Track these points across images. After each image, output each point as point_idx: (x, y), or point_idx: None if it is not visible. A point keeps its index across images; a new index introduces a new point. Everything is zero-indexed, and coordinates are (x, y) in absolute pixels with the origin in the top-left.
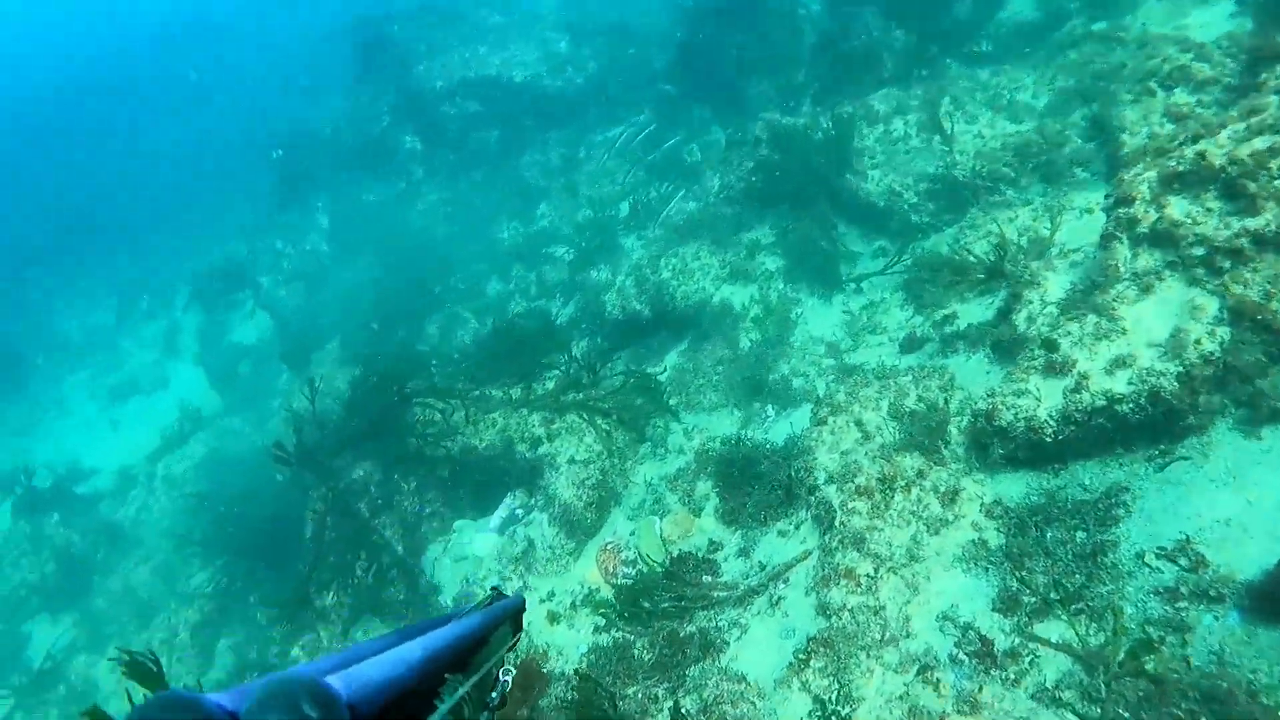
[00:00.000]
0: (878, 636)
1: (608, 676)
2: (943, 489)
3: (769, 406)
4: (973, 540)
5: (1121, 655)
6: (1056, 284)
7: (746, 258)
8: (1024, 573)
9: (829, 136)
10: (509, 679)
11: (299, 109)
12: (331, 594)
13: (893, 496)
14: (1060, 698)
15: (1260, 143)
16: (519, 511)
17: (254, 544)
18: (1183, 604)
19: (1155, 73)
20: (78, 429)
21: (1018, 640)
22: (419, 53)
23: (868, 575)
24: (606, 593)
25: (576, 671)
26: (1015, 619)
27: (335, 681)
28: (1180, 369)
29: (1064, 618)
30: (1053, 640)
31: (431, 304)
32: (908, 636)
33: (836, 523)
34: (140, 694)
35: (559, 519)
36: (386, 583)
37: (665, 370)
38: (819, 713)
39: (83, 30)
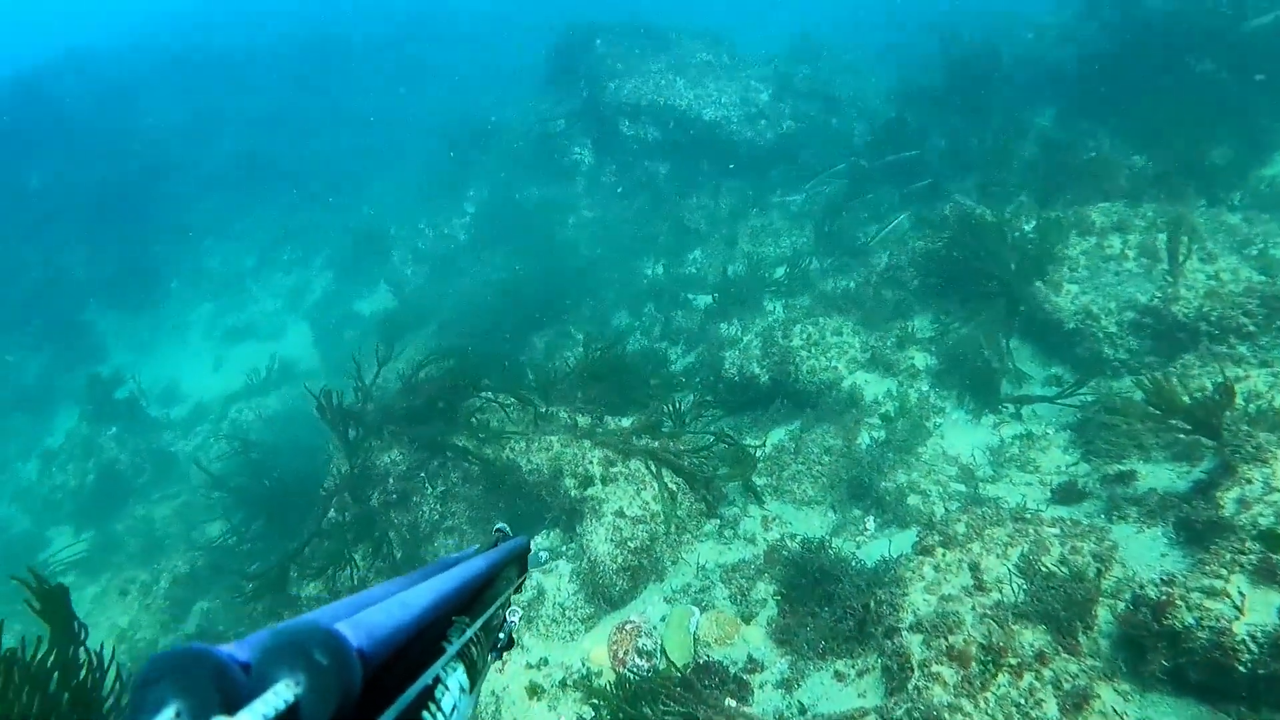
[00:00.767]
0: None
1: None
2: (1067, 687)
3: (870, 518)
4: None
5: None
6: None
7: (894, 347)
8: None
9: (1027, 236)
10: (516, 619)
11: (484, 97)
12: (314, 585)
13: (995, 676)
14: None
15: None
16: (544, 554)
17: (275, 506)
18: None
19: None
20: (185, 358)
21: None
22: (614, 69)
23: None
24: (608, 680)
25: None
26: None
27: (345, 629)
28: None
29: None
30: None
31: (549, 318)
32: None
33: (910, 686)
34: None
35: (584, 576)
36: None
37: (764, 446)
38: None
39: None
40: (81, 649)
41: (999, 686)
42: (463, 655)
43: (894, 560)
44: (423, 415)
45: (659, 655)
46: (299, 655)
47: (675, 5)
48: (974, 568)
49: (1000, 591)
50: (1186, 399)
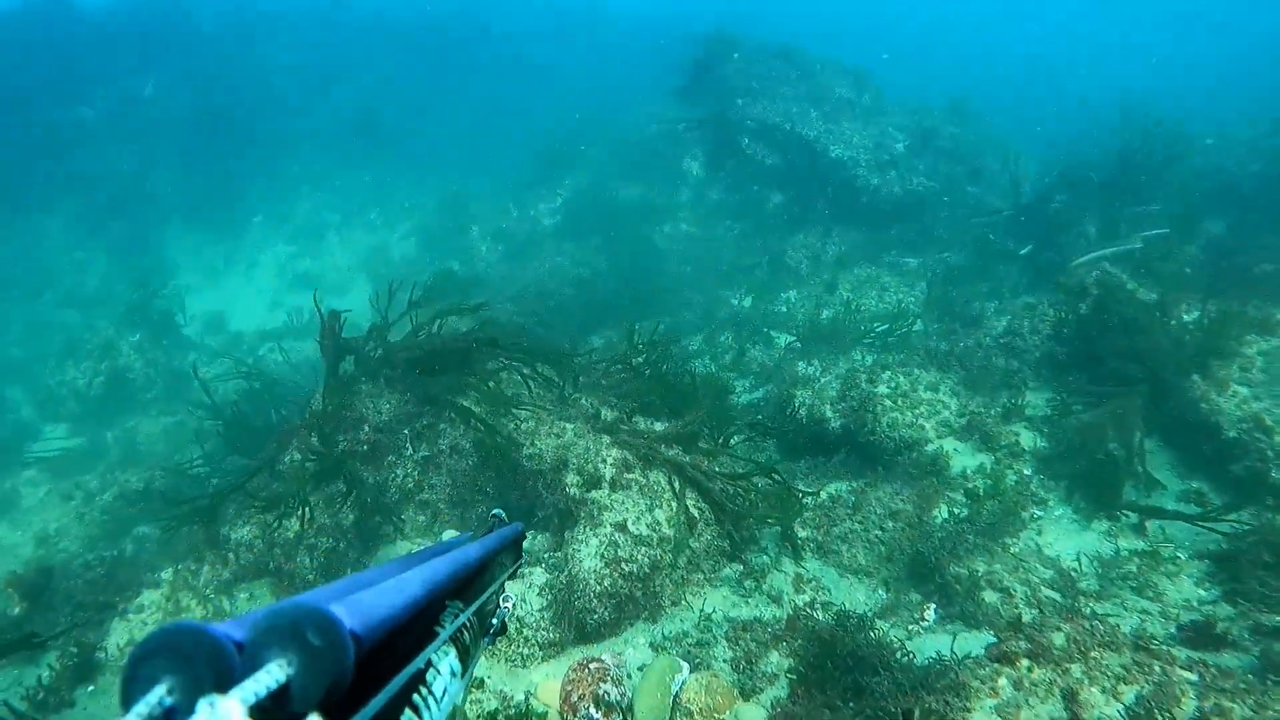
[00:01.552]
0: None
1: None
2: None
3: (931, 607)
4: None
5: None
6: None
7: (998, 419)
8: None
9: (1187, 325)
10: (509, 605)
11: (603, 96)
12: (249, 528)
13: None
14: None
15: None
16: (524, 561)
17: (258, 443)
18: None
19: None
20: (244, 294)
21: None
22: (748, 86)
23: None
24: None
25: None
26: None
27: (339, 611)
28: None
29: None
30: None
31: (615, 323)
32: None
33: None
34: None
35: (558, 593)
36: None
37: (818, 495)
38: None
39: None
40: None
41: None
42: (455, 640)
43: (955, 662)
44: (429, 367)
45: (623, 713)
46: (292, 635)
47: (826, 37)
48: (1069, 696)
49: None
50: None
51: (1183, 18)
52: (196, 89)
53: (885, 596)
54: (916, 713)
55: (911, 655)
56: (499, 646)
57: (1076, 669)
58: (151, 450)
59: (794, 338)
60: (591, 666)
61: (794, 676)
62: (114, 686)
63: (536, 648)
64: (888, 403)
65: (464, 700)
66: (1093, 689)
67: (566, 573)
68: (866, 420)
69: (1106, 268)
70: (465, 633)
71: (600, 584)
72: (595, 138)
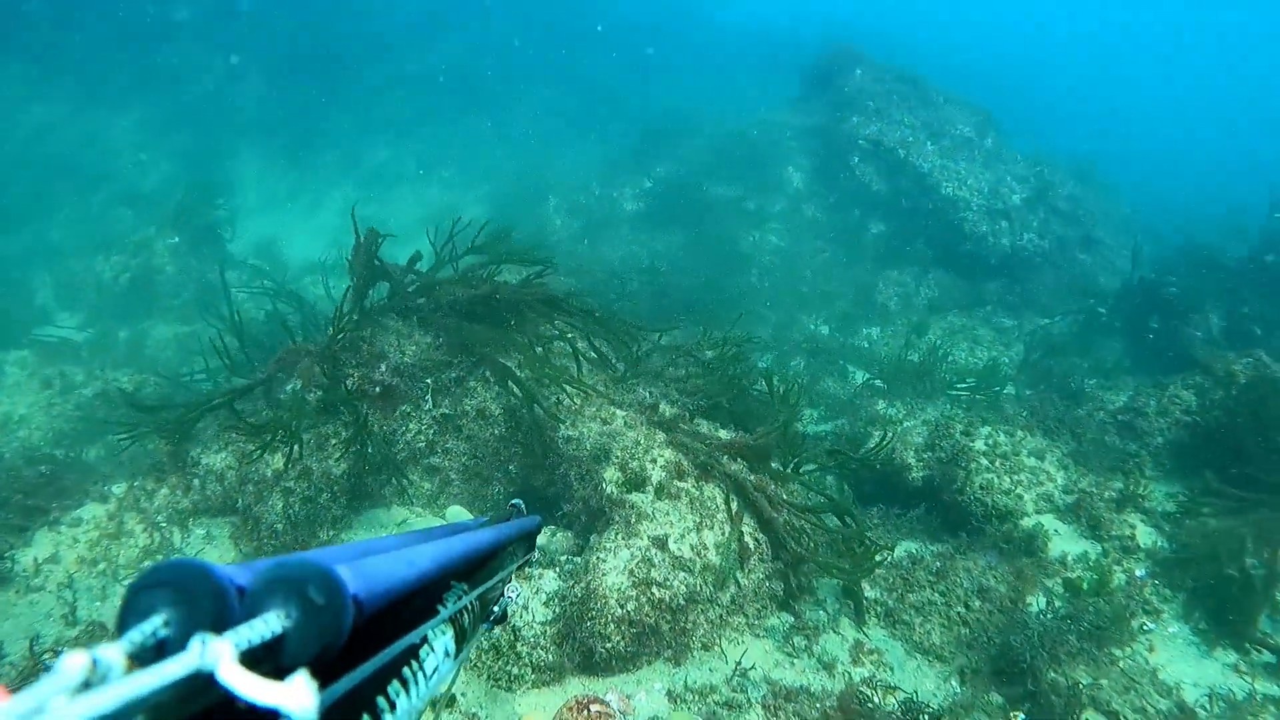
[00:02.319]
0: None
1: None
2: None
3: (1020, 717)
4: None
5: None
6: None
7: (1111, 505)
8: None
9: None
10: (514, 596)
11: (713, 93)
12: (224, 455)
13: None
14: None
15: None
16: (535, 555)
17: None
18: None
19: None
20: (304, 228)
21: None
22: (864, 105)
23: None
24: None
25: None
26: None
27: (344, 573)
28: None
29: None
30: None
31: (681, 322)
32: None
33: None
34: None
35: (568, 607)
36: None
37: (891, 551)
38: None
39: None
40: None
41: None
42: (454, 621)
43: None
44: (473, 313)
45: None
46: (295, 589)
47: (952, 70)
48: None
49: None
50: None
51: None
52: (296, 12)
53: (960, 691)
54: None
55: None
56: (483, 660)
57: None
58: (157, 356)
59: (873, 375)
60: (592, 709)
61: None
62: (15, 606)
63: (529, 669)
64: (983, 461)
65: (452, 683)
66: None
67: (584, 584)
68: (956, 477)
69: (1261, 356)
70: (465, 615)
71: (622, 606)
72: (696, 131)
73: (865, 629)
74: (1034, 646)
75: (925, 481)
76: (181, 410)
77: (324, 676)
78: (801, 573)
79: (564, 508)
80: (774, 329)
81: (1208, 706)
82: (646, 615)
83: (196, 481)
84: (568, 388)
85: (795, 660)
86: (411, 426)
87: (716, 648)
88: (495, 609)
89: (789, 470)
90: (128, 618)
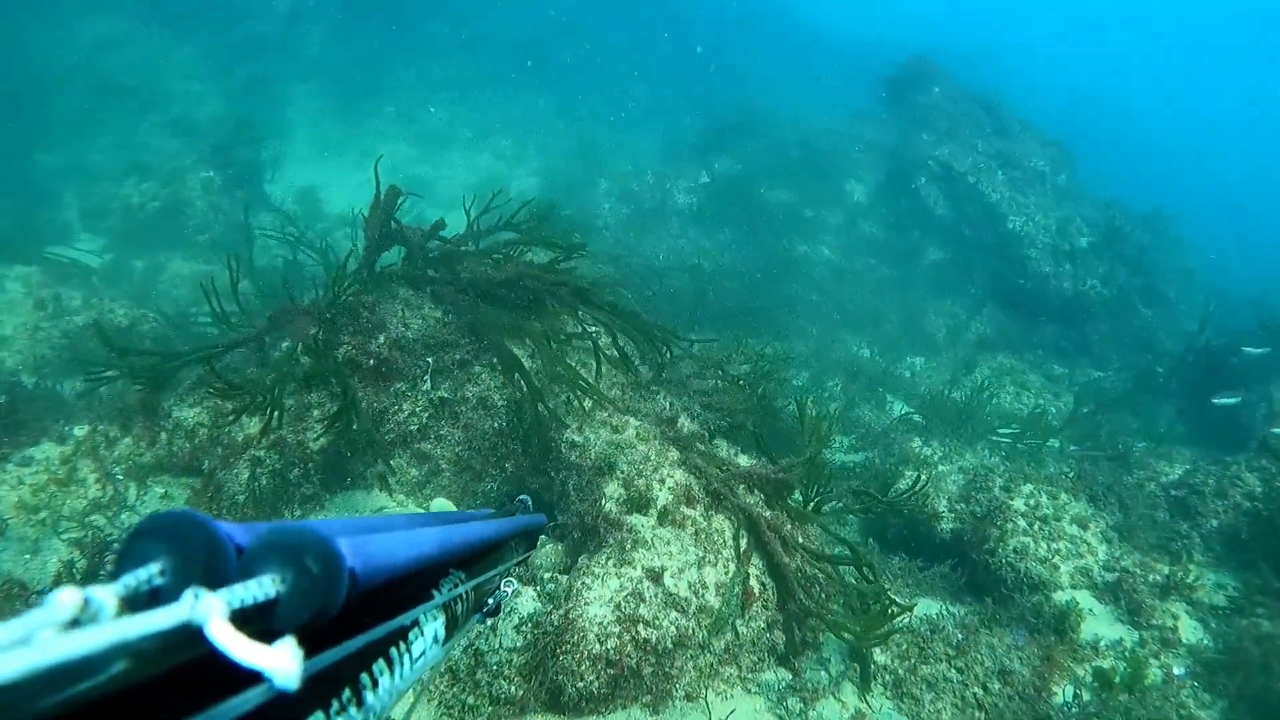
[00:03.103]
0: None
1: None
2: None
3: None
4: None
5: None
6: None
7: (1154, 590)
8: None
9: None
10: (510, 590)
11: (783, 93)
12: (198, 411)
13: None
14: None
15: None
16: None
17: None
18: None
19: None
20: (349, 180)
21: None
22: (938, 124)
23: None
24: None
25: None
26: None
27: (343, 546)
28: None
29: None
30: None
31: (717, 328)
32: None
33: None
34: None
35: (541, 636)
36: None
37: (910, 613)
38: None
39: None
40: None
41: None
42: (447, 608)
43: None
44: (491, 294)
45: None
46: (293, 556)
47: (1042, 99)
48: None
49: None
50: None
51: None
52: None
53: None
54: None
55: None
56: (437, 684)
57: None
58: (169, 293)
59: (913, 409)
60: None
61: None
62: None
63: (487, 700)
64: (1021, 523)
65: (437, 667)
66: None
67: (563, 611)
68: (990, 536)
69: None
70: (459, 604)
71: (602, 642)
72: (762, 131)
73: (869, 698)
74: None
75: (954, 535)
76: (158, 358)
77: (311, 645)
78: (807, 626)
79: (558, 517)
80: (815, 344)
81: None
82: (628, 655)
83: (164, 435)
84: (580, 392)
85: None
86: (405, 407)
87: (701, 700)
88: (490, 601)
89: (809, 505)
90: (124, 563)
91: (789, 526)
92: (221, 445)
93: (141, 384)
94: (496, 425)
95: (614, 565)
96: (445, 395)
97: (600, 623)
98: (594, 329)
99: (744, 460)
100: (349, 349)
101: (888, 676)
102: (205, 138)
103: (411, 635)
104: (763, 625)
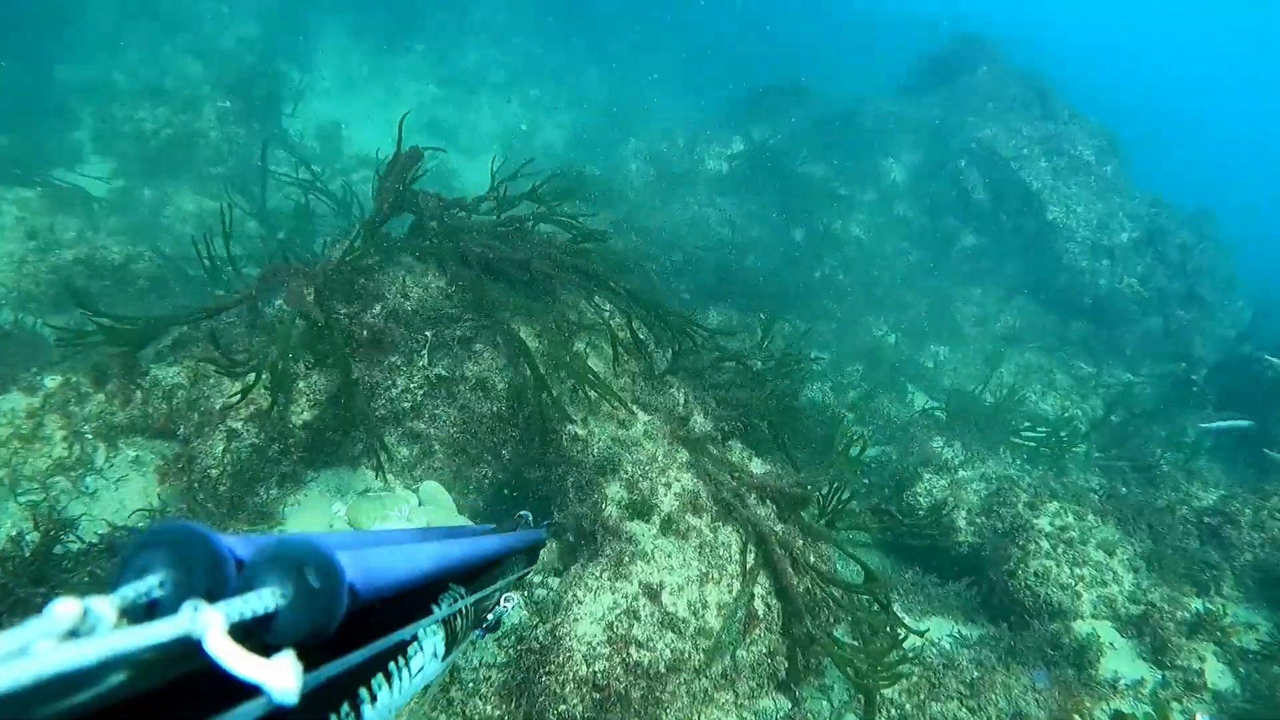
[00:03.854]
0: None
1: None
2: None
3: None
4: None
5: None
6: None
7: (1182, 627)
8: None
9: None
10: (510, 606)
11: (827, 70)
12: (179, 370)
13: None
14: None
15: None
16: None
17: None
18: None
19: None
20: (374, 119)
21: None
22: (982, 106)
23: None
24: None
25: None
26: None
27: (344, 560)
28: None
29: None
30: None
31: (739, 302)
32: None
33: None
34: None
35: (524, 653)
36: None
37: (924, 638)
38: None
39: None
40: None
41: None
42: (447, 623)
43: None
44: (501, 271)
45: None
46: (293, 569)
47: (1092, 84)
48: None
49: None
50: None
51: None
52: None
53: None
54: None
55: None
56: (413, 702)
57: None
58: (172, 228)
59: (938, 404)
60: None
61: None
62: None
63: None
64: (1044, 544)
65: (436, 685)
66: None
67: (550, 627)
68: (1011, 555)
69: None
70: (459, 619)
71: (589, 664)
72: (802, 102)
73: None
74: None
75: (972, 550)
76: (142, 323)
77: (310, 659)
78: (811, 653)
79: (554, 515)
80: (837, 325)
81: None
82: (617, 679)
83: (139, 394)
84: (587, 387)
85: None
86: (399, 382)
87: None
88: (490, 616)
89: (824, 520)
90: (124, 573)
91: (800, 543)
92: (199, 412)
93: (117, 345)
94: (495, 409)
95: (609, 579)
96: (443, 373)
97: (590, 642)
98: (608, 311)
99: (758, 465)
100: (344, 316)
101: (894, 710)
102: (229, 65)
103: (411, 650)
104: (764, 649)
